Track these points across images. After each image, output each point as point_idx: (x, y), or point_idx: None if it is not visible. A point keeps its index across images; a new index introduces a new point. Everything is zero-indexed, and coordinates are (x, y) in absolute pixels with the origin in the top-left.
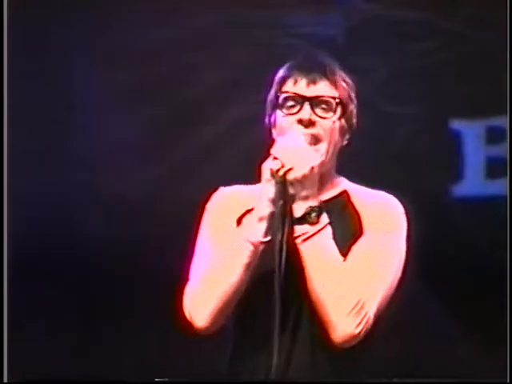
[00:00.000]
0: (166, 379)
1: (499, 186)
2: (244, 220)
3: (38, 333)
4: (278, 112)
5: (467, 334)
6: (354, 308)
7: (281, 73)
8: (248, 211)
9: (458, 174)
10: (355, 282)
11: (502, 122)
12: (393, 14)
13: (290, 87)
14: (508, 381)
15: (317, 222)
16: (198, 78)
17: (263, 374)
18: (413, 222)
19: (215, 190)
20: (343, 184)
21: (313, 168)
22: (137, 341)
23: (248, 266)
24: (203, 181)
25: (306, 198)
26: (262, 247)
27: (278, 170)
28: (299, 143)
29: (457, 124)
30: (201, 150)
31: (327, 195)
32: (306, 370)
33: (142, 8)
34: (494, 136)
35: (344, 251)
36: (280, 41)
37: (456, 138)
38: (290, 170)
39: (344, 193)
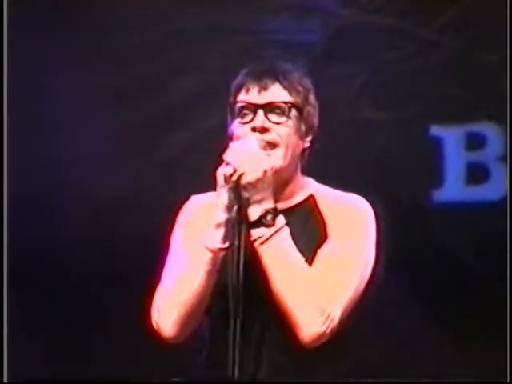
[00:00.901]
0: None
1: (479, 192)
2: (203, 227)
3: (37, 333)
4: (235, 122)
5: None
6: (317, 308)
7: (235, 82)
8: None
9: (437, 180)
10: (317, 282)
11: (480, 127)
12: (371, 21)
13: (243, 96)
14: (508, 381)
15: (273, 225)
16: (176, 82)
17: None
18: (392, 227)
19: (187, 198)
20: (310, 187)
21: (266, 171)
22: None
23: (209, 273)
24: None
25: (261, 201)
26: (221, 253)
27: (231, 175)
28: (251, 147)
29: (436, 130)
30: (178, 155)
31: (293, 201)
32: (275, 373)
33: (124, 11)
34: (473, 142)
35: (311, 256)
36: (259, 47)
37: (435, 144)
38: (242, 174)
39: (310, 197)
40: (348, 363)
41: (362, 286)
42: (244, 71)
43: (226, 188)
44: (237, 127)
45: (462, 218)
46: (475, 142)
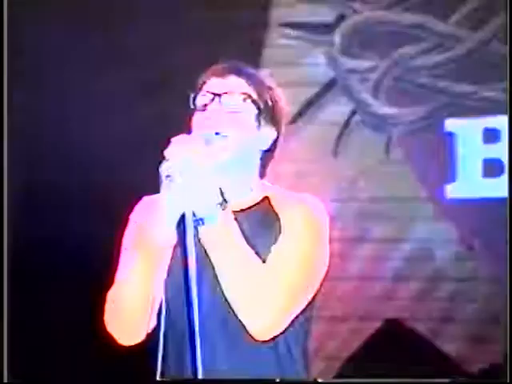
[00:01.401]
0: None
1: (495, 187)
2: (149, 226)
3: (38, 333)
4: (193, 111)
5: None
6: (266, 301)
7: (200, 80)
8: None
9: (453, 175)
10: (266, 276)
11: (497, 122)
12: (388, 16)
13: (204, 87)
14: (508, 381)
15: (220, 219)
16: (192, 77)
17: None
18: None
19: (139, 199)
20: (264, 189)
21: (205, 164)
22: None
23: (158, 270)
24: None
25: (205, 195)
26: (169, 250)
27: (170, 171)
28: (192, 141)
29: (453, 124)
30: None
31: (248, 202)
32: (232, 367)
33: (137, 8)
34: (489, 137)
35: (265, 256)
36: (274, 42)
37: (452, 138)
38: (180, 169)
39: (265, 199)
40: None
41: (314, 281)
42: (213, 67)
43: (168, 184)
44: (194, 116)
45: (477, 212)
46: (491, 137)
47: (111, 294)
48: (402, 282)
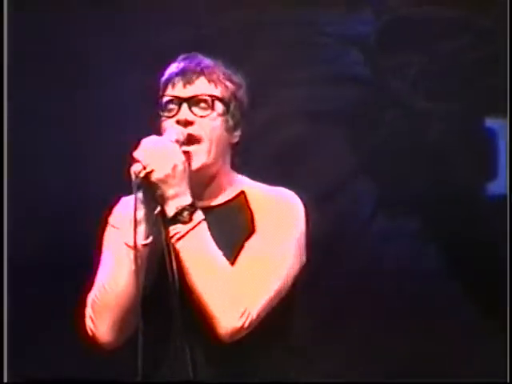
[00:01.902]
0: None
1: None
2: (122, 226)
3: (37, 333)
4: (162, 117)
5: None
6: (233, 303)
7: (162, 79)
8: None
9: (491, 172)
10: (235, 277)
11: None
12: (424, 12)
13: (169, 91)
14: (508, 381)
15: (190, 221)
16: None
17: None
18: (447, 219)
19: (118, 200)
20: (241, 184)
21: (175, 166)
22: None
23: (135, 271)
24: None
25: (175, 196)
26: (144, 251)
27: (139, 173)
28: (161, 143)
29: (490, 121)
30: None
31: (223, 198)
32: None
33: (169, 7)
34: None
35: (238, 251)
36: (311, 40)
37: (490, 135)
38: (151, 171)
39: (241, 193)
40: None
41: (288, 279)
42: (171, 67)
43: (137, 185)
44: (163, 121)
45: None
46: None
47: (95, 296)
48: None
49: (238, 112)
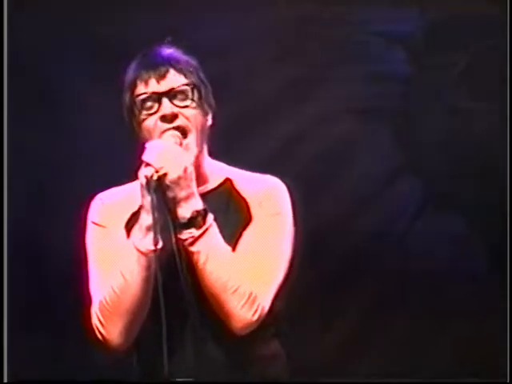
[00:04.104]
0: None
1: None
2: (132, 231)
3: (37, 333)
4: (139, 116)
5: None
6: (248, 299)
7: (128, 78)
8: (134, 214)
9: None
10: (246, 272)
11: None
12: (470, 9)
13: (142, 89)
14: (508, 381)
15: (203, 225)
16: (272, 74)
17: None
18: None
19: (92, 197)
20: (224, 171)
21: (186, 168)
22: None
23: (147, 276)
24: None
25: (187, 198)
26: (154, 256)
27: (151, 176)
28: (168, 145)
29: None
30: (277, 147)
31: (210, 185)
32: (218, 366)
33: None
34: None
35: (234, 239)
36: (357, 38)
37: None
38: (164, 174)
39: (227, 180)
40: None
41: (287, 265)
42: (134, 65)
43: (149, 189)
44: (145, 119)
45: None
46: None
47: (105, 301)
48: None
49: (206, 93)
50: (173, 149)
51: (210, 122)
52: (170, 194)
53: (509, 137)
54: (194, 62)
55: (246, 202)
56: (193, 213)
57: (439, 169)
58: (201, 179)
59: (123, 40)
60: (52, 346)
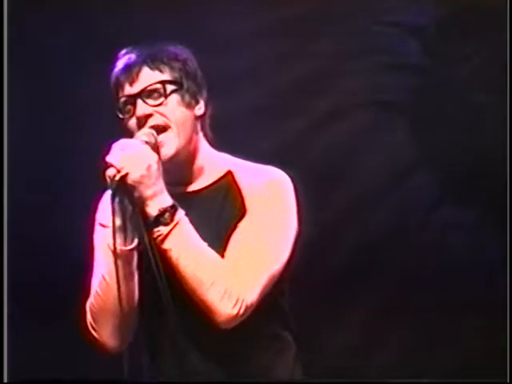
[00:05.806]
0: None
1: None
2: (106, 231)
3: (37, 333)
4: (124, 118)
5: None
6: (226, 292)
7: (112, 80)
8: None
9: None
10: (225, 265)
11: None
12: (484, 2)
13: (120, 93)
14: (508, 381)
15: (171, 221)
16: (287, 68)
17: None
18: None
19: (102, 195)
20: (226, 162)
21: (150, 166)
22: None
23: (125, 277)
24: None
25: (153, 196)
26: (131, 254)
27: (114, 177)
28: (132, 145)
29: None
30: (291, 141)
31: (207, 179)
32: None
33: None
34: None
35: (229, 232)
36: (372, 29)
37: None
38: (126, 174)
39: (228, 173)
40: None
41: (283, 258)
42: (116, 67)
43: (113, 189)
44: (124, 122)
45: None
46: None
47: (94, 301)
48: None
49: (193, 84)
50: (135, 148)
51: (201, 110)
52: (136, 194)
53: (509, 137)
54: (181, 53)
55: (243, 195)
56: (159, 210)
57: (454, 162)
58: (199, 173)
59: (125, 38)
60: (52, 346)
